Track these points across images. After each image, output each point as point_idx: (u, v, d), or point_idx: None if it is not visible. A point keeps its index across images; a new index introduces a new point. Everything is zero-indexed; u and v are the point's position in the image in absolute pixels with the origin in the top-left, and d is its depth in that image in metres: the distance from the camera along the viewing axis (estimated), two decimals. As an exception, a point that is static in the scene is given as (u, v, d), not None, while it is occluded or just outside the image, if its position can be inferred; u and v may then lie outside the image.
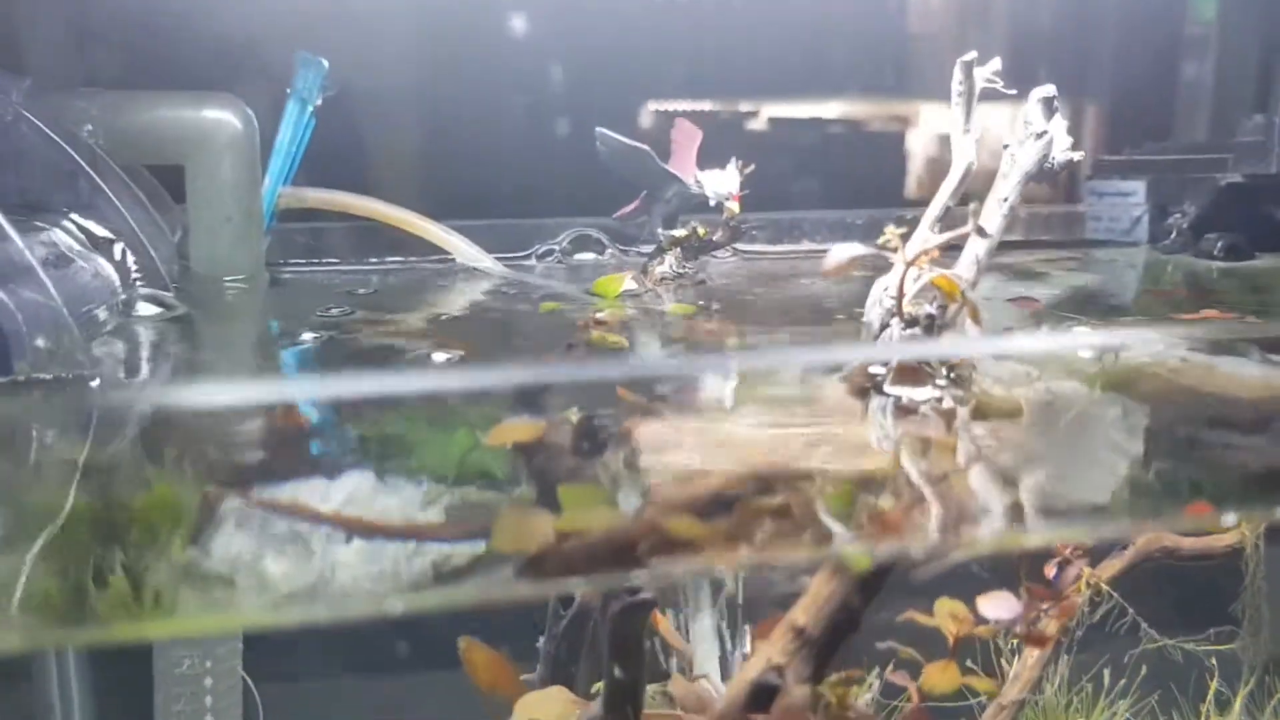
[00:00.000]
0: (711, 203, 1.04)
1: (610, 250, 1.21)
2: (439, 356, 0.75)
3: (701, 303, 0.99)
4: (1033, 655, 0.95)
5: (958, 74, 0.78)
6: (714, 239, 1.08)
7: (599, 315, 0.92)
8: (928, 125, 1.58)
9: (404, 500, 0.66)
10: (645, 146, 1.00)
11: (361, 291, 1.05)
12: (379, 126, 1.30)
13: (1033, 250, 1.38)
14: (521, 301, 1.05)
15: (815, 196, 1.48)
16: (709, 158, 1.06)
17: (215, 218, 1.00)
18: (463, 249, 1.12)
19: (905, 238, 0.69)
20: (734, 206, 1.04)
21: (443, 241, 1.12)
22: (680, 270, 1.05)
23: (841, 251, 0.65)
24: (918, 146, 1.57)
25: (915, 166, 1.58)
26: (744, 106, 1.47)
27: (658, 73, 1.40)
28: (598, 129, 0.99)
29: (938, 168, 1.51)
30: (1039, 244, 1.47)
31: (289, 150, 1.09)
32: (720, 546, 0.46)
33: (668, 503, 0.53)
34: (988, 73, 0.79)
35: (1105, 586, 1.05)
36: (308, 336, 0.83)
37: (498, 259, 1.18)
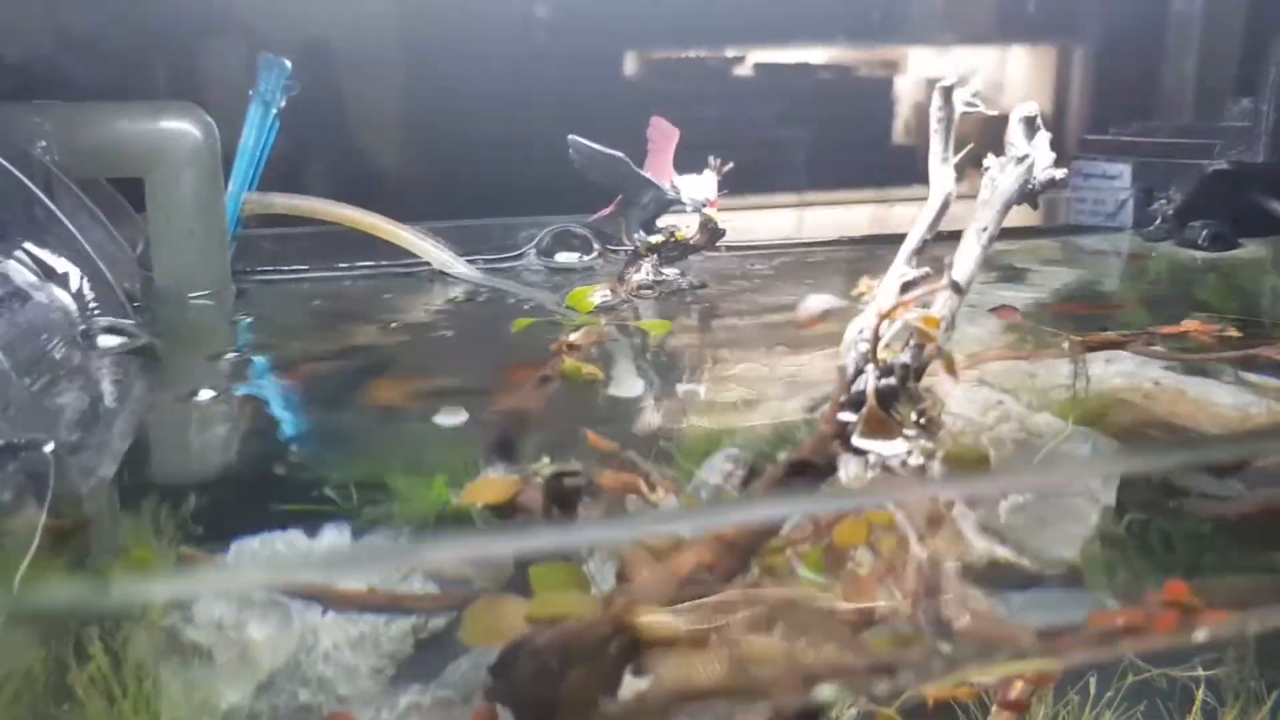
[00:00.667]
0: (689, 210, 1.02)
1: (593, 253, 1.19)
2: (445, 419, 0.74)
3: (679, 318, 0.98)
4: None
5: (936, 100, 0.76)
6: (692, 242, 1.06)
7: (572, 338, 0.90)
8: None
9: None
10: (620, 154, 0.98)
11: (316, 303, 1.03)
12: (347, 127, 1.27)
13: (1014, 239, 1.37)
14: (494, 312, 1.03)
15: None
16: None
17: (177, 231, 0.98)
18: (434, 253, 1.10)
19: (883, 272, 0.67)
20: (712, 213, 1.02)
21: (413, 246, 1.10)
22: (659, 277, 1.03)
23: (814, 304, 0.64)
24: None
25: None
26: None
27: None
28: (570, 136, 0.97)
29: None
30: (1021, 230, 1.45)
31: (253, 154, 1.06)
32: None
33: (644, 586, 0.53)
34: (968, 95, 0.77)
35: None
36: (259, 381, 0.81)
37: (479, 260, 1.16)
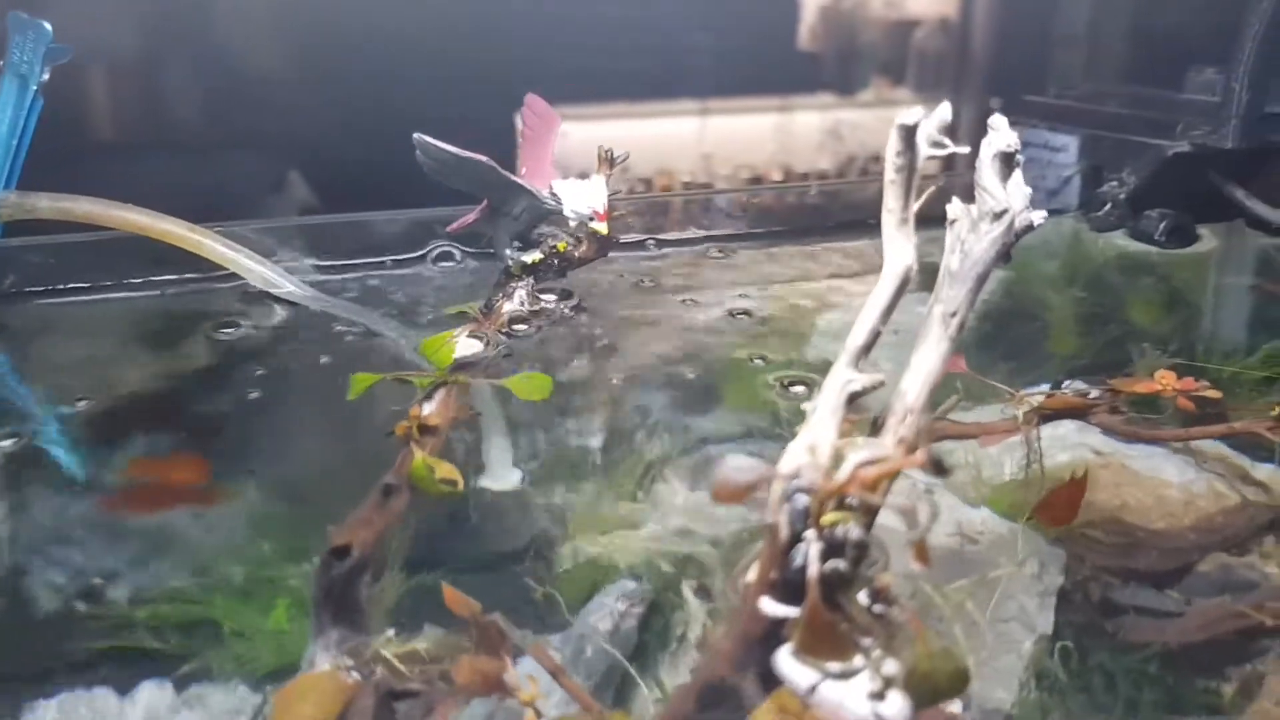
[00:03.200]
0: (572, 224, 0.83)
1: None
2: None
3: (566, 364, 0.80)
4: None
5: (894, 143, 0.58)
6: (577, 255, 0.88)
7: (425, 412, 0.71)
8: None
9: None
10: (482, 157, 0.79)
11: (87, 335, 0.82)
12: (133, 109, 1.02)
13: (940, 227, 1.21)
14: (324, 354, 0.83)
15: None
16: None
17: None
18: (252, 268, 0.89)
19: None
20: (600, 228, 0.83)
21: (225, 260, 0.88)
22: (535, 305, 0.85)
23: (732, 475, 0.46)
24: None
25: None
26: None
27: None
28: (416, 136, 0.77)
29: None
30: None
31: (7, 142, 0.83)
32: None
33: None
34: (934, 133, 0.59)
35: None
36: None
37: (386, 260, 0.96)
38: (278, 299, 0.89)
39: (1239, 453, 0.78)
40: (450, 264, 1.03)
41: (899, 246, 0.58)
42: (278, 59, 1.07)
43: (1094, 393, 0.85)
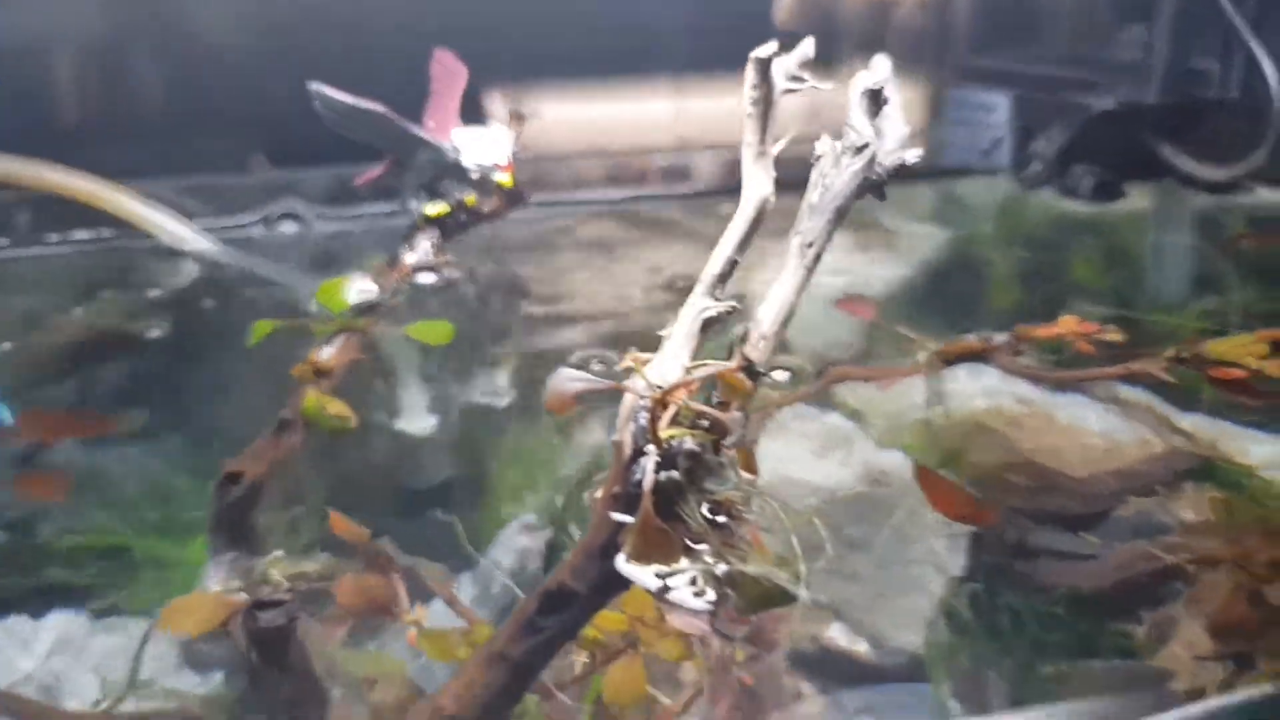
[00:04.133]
0: (473, 175, 0.84)
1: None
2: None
3: (459, 316, 0.81)
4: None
5: (750, 76, 0.58)
6: (486, 210, 0.88)
7: (321, 356, 0.72)
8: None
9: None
10: (378, 107, 0.79)
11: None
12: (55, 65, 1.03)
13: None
14: (231, 308, 0.84)
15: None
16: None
17: None
18: (165, 225, 0.90)
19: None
20: (504, 179, 0.84)
21: (138, 218, 0.89)
22: (441, 258, 0.85)
23: (563, 384, 0.47)
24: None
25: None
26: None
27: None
28: (313, 86, 0.77)
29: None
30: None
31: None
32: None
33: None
34: (792, 68, 0.60)
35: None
36: None
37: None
38: (190, 254, 0.90)
39: (1167, 403, 0.79)
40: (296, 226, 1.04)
41: (757, 178, 0.59)
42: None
43: (1000, 338, 0.87)
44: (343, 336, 0.75)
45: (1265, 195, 1.16)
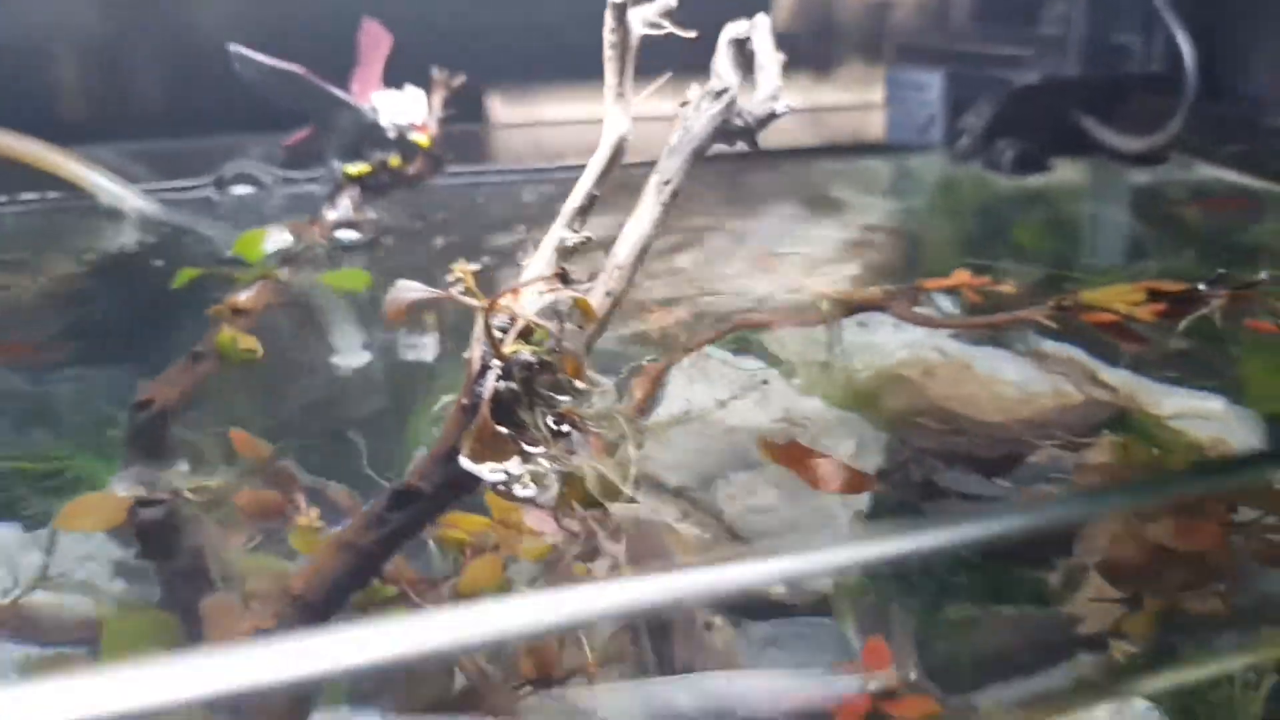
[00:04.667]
0: (390, 135, 0.88)
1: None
2: None
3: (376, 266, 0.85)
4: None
5: (608, 21, 0.62)
6: (411, 172, 0.92)
7: (240, 298, 0.76)
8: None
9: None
10: (296, 68, 0.83)
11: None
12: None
13: (828, 158, 1.26)
14: (168, 261, 0.88)
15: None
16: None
17: None
18: (104, 186, 0.94)
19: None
20: (420, 139, 0.88)
21: (77, 178, 0.93)
22: (361, 216, 0.89)
23: (401, 293, 0.51)
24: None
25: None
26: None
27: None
28: (232, 47, 0.81)
29: None
30: (836, 150, 1.34)
31: None
32: None
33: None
34: (650, 15, 0.64)
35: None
36: None
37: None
38: (130, 213, 0.94)
39: (1093, 357, 0.82)
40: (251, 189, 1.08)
41: (615, 118, 0.63)
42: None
43: (899, 289, 0.90)
44: (260, 283, 0.79)
45: (1206, 171, 1.20)
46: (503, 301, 0.51)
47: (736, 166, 1.23)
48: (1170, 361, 0.79)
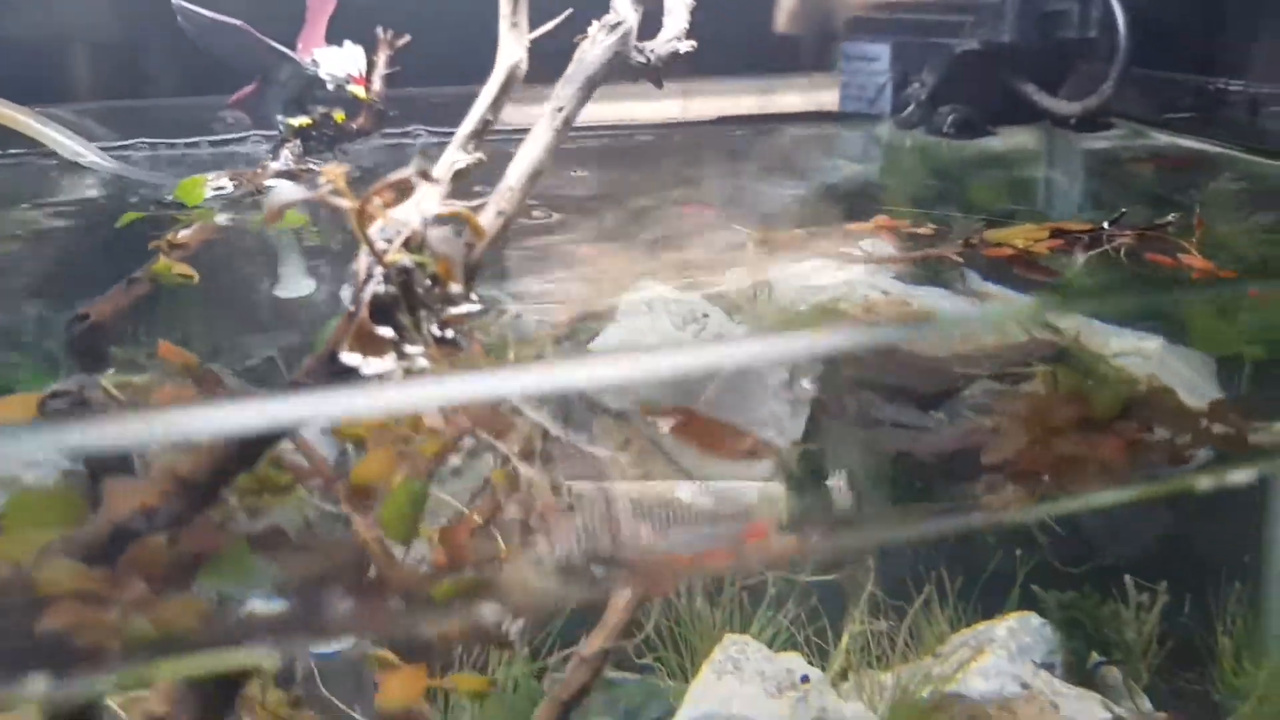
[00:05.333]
0: (329, 87, 0.91)
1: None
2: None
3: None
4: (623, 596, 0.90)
5: (501, -48, 0.66)
6: (355, 125, 0.96)
7: (180, 235, 0.80)
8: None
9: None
10: (238, 22, 0.87)
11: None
12: None
13: (787, 125, 1.29)
14: (115, 206, 0.93)
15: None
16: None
17: None
18: (62, 142, 0.98)
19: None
20: (358, 91, 0.91)
21: (36, 134, 0.97)
22: (304, 166, 0.93)
23: (278, 196, 0.55)
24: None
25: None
26: None
27: None
28: (175, 1, 0.85)
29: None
30: (793, 118, 1.37)
31: None
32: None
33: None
34: (545, -50, 0.68)
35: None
36: None
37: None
38: (89, 167, 0.99)
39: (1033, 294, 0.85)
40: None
41: (509, 46, 0.67)
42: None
43: (824, 231, 0.95)
44: (198, 224, 0.83)
45: (1161, 138, 1.22)
46: (375, 202, 0.54)
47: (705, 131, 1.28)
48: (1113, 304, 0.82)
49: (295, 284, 0.80)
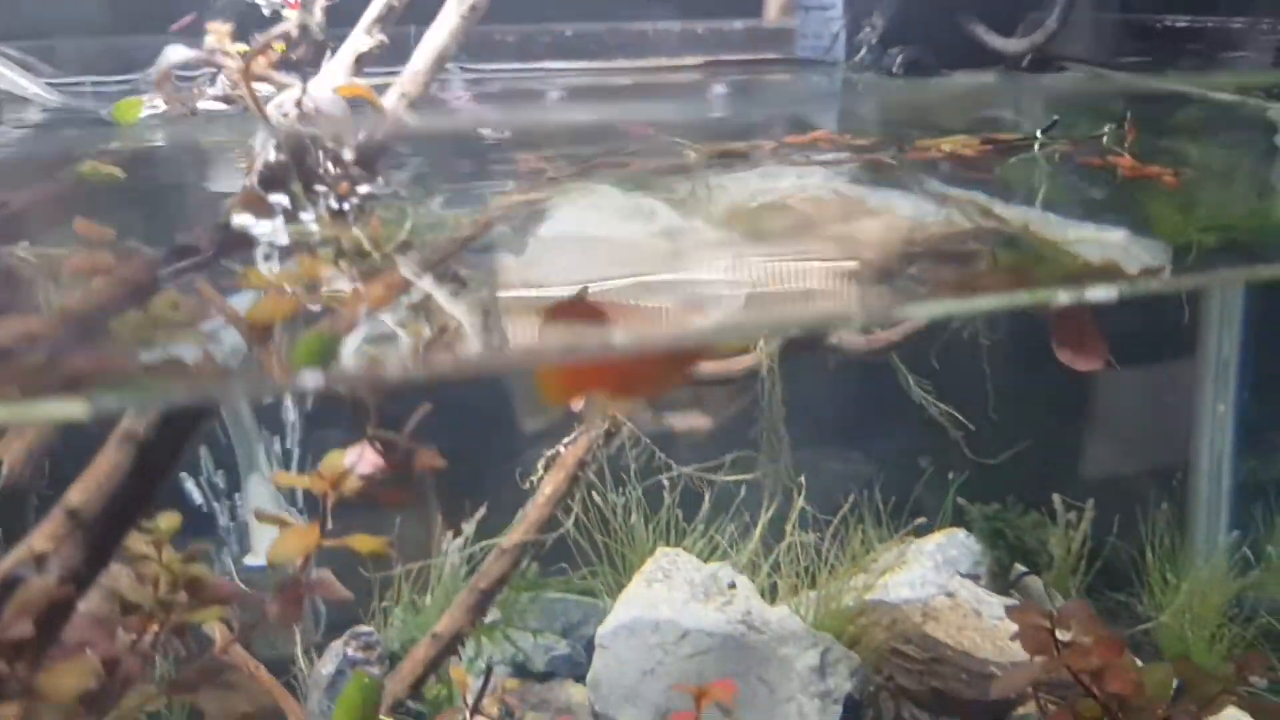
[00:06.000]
0: (265, 13, 0.92)
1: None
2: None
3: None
4: (544, 494, 0.90)
5: None
6: (295, 56, 0.96)
7: (113, 146, 0.82)
8: None
9: None
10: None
11: None
12: None
13: (744, 70, 1.30)
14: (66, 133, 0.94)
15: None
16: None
17: None
18: (6, 75, 0.99)
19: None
20: (291, 15, 0.92)
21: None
22: (235, 93, 0.93)
23: (168, 56, 0.55)
24: None
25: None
26: None
27: None
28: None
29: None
30: (751, 63, 1.38)
31: None
32: None
33: None
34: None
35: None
36: None
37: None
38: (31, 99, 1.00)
39: (993, 197, 0.85)
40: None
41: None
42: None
43: (768, 144, 0.97)
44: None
45: (1120, 79, 1.23)
46: (260, 62, 0.55)
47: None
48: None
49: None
